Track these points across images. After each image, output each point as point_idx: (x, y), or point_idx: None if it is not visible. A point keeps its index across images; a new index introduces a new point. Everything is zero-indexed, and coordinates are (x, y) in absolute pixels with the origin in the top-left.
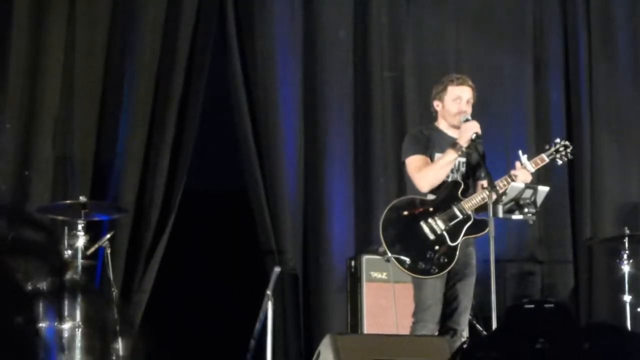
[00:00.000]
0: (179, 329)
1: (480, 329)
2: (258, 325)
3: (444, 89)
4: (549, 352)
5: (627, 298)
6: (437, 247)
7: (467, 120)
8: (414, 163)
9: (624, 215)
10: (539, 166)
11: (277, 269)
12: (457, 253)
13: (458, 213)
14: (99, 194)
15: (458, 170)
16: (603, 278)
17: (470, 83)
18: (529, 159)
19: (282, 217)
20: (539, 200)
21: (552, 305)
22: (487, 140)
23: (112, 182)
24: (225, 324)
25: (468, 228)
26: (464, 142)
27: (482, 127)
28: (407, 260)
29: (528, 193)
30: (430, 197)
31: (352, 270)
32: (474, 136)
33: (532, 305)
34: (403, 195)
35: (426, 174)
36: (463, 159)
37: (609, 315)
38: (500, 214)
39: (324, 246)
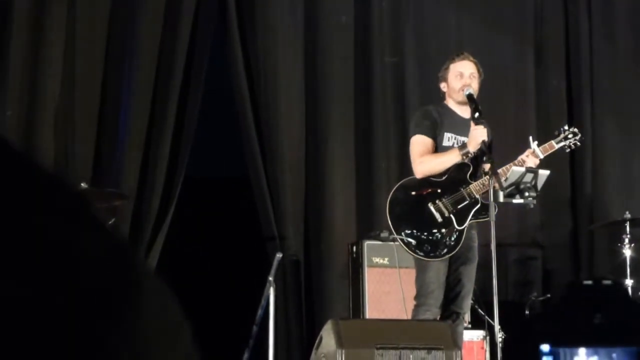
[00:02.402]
0: None
1: (482, 313)
2: (260, 312)
3: (447, 68)
4: (606, 327)
5: (628, 282)
6: (443, 230)
7: (469, 95)
8: (417, 145)
9: (625, 199)
10: (547, 153)
11: (278, 255)
12: (464, 236)
13: (466, 196)
14: (99, 182)
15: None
16: (604, 263)
17: (471, 58)
18: (539, 145)
19: (284, 203)
20: (540, 184)
21: (609, 282)
22: (490, 125)
23: (113, 169)
24: (227, 310)
25: (475, 212)
26: (472, 148)
27: (482, 110)
28: (413, 242)
29: (529, 177)
30: (437, 178)
31: (354, 255)
32: (481, 145)
33: (591, 282)
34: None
35: (425, 163)
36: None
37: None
38: (501, 199)
39: (326, 232)
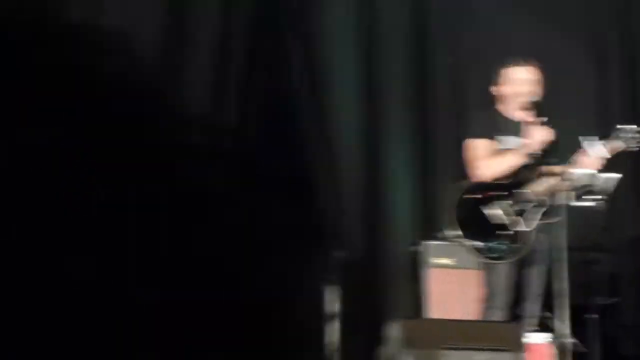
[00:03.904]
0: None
1: (549, 316)
2: (323, 312)
3: (505, 73)
4: None
5: None
6: (511, 232)
7: (532, 101)
8: (476, 148)
9: None
10: (614, 153)
11: (341, 255)
12: (531, 239)
13: (533, 198)
14: None
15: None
16: None
17: (531, 63)
18: (602, 146)
19: (346, 203)
20: (610, 187)
21: None
22: (553, 128)
23: None
24: (288, 311)
25: (542, 214)
26: (533, 149)
27: (544, 113)
28: (480, 244)
29: (599, 180)
30: (503, 180)
31: (416, 255)
32: (545, 146)
33: None
34: (466, 178)
35: (486, 165)
36: (526, 141)
37: None
38: (572, 201)
39: (388, 231)
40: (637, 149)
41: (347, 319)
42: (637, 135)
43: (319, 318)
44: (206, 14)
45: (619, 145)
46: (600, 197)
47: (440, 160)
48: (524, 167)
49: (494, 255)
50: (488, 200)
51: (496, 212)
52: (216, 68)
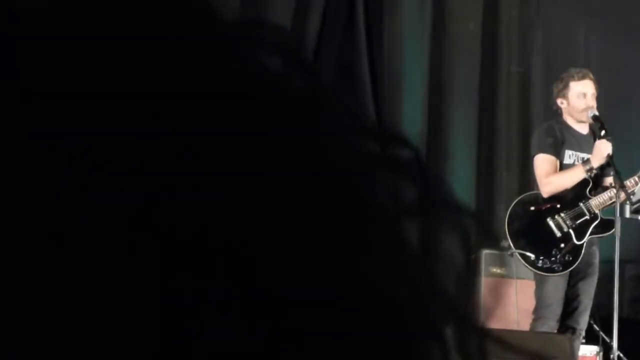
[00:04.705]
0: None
1: (598, 329)
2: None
3: (566, 86)
4: None
5: None
6: (562, 245)
7: (594, 116)
8: (542, 164)
9: None
10: None
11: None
12: (582, 252)
13: (585, 211)
14: None
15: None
16: None
17: (591, 76)
18: None
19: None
20: None
21: None
22: (616, 140)
23: None
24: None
25: (594, 227)
26: (596, 164)
27: (610, 125)
28: (532, 256)
29: None
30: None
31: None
32: (606, 159)
33: None
34: (525, 190)
35: (553, 182)
36: (589, 155)
37: None
38: (627, 214)
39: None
40: None
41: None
42: None
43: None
44: None
45: None
46: None
47: (502, 169)
48: (580, 181)
49: (545, 267)
50: (541, 213)
51: (549, 224)
52: None
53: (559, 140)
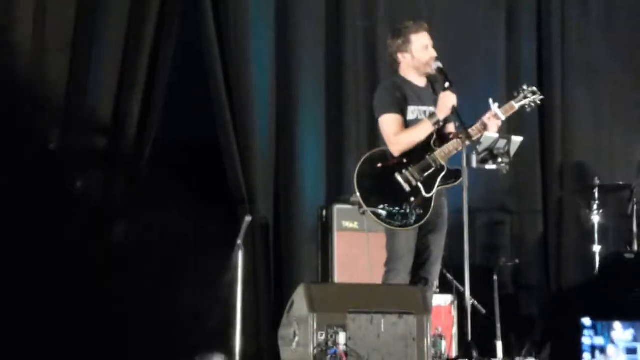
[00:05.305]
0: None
1: (451, 278)
2: (228, 275)
3: (407, 40)
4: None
5: (596, 248)
6: (412, 199)
7: (439, 68)
8: (390, 125)
9: (595, 166)
10: (508, 114)
11: (248, 218)
12: (432, 204)
13: (432, 163)
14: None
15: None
16: (573, 229)
17: (426, 27)
18: (499, 107)
19: (253, 167)
20: (513, 150)
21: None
22: (458, 92)
23: (81, 130)
24: (195, 274)
25: (442, 178)
26: (442, 116)
27: (453, 78)
28: (383, 213)
29: (502, 143)
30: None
31: (324, 219)
32: (451, 111)
33: (632, 256)
34: (374, 144)
35: (402, 141)
36: (433, 109)
37: (579, 266)
38: (474, 164)
39: (295, 195)
40: (531, 108)
41: (252, 281)
42: (531, 95)
43: (226, 282)
44: None
45: (512, 106)
46: (503, 160)
47: (350, 125)
48: (431, 135)
49: (397, 222)
50: (389, 169)
51: (397, 179)
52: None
53: (401, 96)
